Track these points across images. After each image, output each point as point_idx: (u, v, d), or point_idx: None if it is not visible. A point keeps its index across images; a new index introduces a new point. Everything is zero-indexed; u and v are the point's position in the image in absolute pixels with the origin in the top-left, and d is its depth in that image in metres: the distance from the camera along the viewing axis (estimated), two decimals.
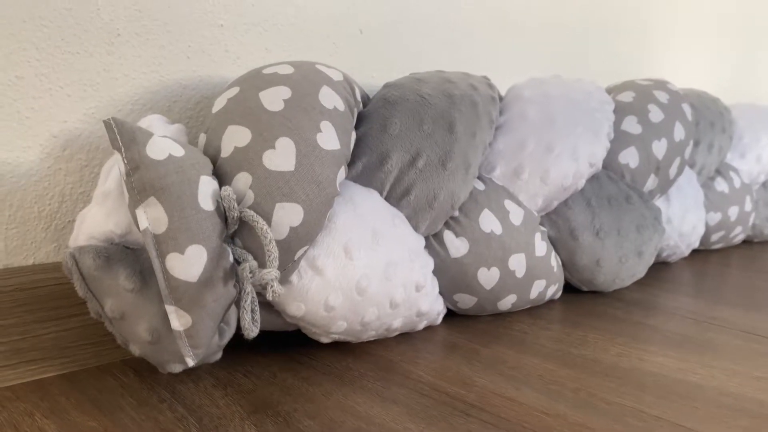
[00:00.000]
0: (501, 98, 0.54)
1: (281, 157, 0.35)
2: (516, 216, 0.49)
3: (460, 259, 0.46)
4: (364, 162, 0.42)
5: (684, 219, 0.66)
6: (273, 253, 0.32)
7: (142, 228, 0.32)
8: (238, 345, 0.41)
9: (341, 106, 0.39)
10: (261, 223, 0.33)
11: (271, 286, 0.32)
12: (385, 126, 0.43)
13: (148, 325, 0.34)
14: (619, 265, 0.56)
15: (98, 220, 0.34)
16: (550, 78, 0.56)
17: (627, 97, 0.62)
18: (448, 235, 0.46)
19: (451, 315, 0.51)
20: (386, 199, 0.43)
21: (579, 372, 0.42)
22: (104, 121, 0.32)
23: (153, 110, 0.41)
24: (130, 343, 0.35)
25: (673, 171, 0.60)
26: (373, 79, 0.55)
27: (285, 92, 0.37)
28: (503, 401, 0.37)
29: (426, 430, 0.34)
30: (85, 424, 0.33)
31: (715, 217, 0.74)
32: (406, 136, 0.43)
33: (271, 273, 0.32)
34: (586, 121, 0.53)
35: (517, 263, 0.48)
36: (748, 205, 0.77)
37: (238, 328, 0.37)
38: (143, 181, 0.32)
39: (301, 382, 0.39)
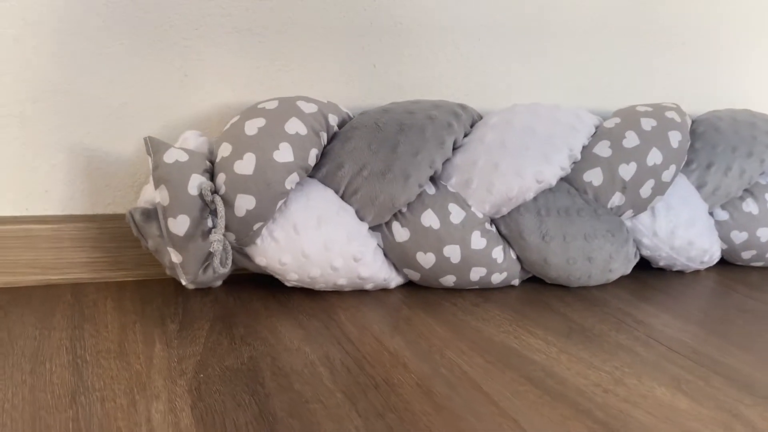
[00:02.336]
0: (476, 121, 0.67)
1: (245, 165, 0.55)
2: (456, 216, 0.63)
3: (403, 243, 0.62)
4: (327, 168, 0.61)
5: (673, 234, 0.72)
6: (220, 224, 0.54)
7: (156, 202, 0.55)
8: (249, 280, 0.64)
9: (303, 131, 0.58)
10: (220, 206, 0.54)
11: (212, 244, 0.53)
12: (344, 143, 0.61)
13: (168, 257, 0.57)
14: (567, 265, 0.67)
15: (148, 192, 0.58)
16: (525, 107, 0.68)
17: (611, 123, 0.70)
18: (395, 225, 0.62)
19: (411, 284, 0.67)
20: (341, 196, 0.61)
21: (458, 339, 0.56)
22: (144, 138, 0.56)
23: None
24: (165, 267, 0.59)
25: (645, 191, 0.68)
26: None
27: (261, 122, 0.57)
28: (378, 346, 0.54)
29: (307, 346, 0.52)
30: (129, 305, 0.58)
31: (741, 236, 0.77)
32: (357, 152, 0.60)
33: (215, 236, 0.53)
34: (537, 146, 0.64)
35: (452, 252, 0.63)
36: None
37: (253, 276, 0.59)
38: (159, 175, 0.54)
39: (262, 308, 0.60)
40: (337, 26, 0.66)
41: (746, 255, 0.79)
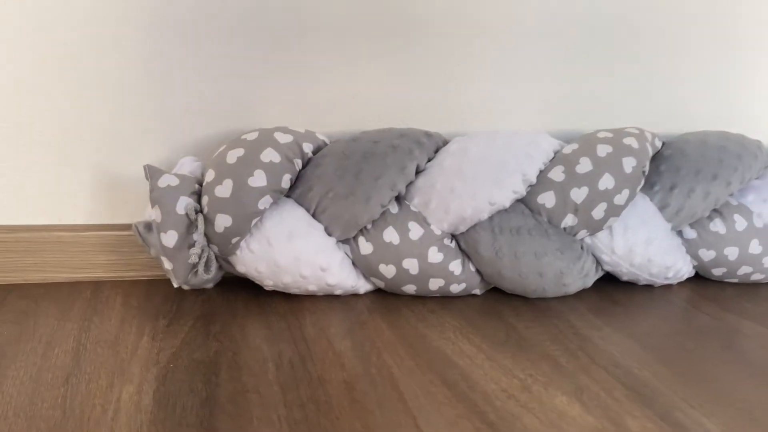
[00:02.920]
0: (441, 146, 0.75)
1: (224, 189, 0.66)
2: (415, 233, 0.71)
3: (367, 256, 0.71)
4: (300, 189, 0.70)
5: (632, 252, 0.76)
6: (199, 240, 0.64)
7: (152, 219, 0.66)
8: (238, 283, 0.74)
9: (277, 159, 0.68)
10: (200, 224, 0.65)
11: (191, 256, 0.64)
12: (315, 169, 0.70)
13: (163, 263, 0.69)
14: (520, 279, 0.73)
15: (148, 210, 0.69)
16: (484, 134, 0.75)
17: (569, 149, 0.76)
18: (361, 240, 0.71)
19: (381, 291, 0.76)
20: (312, 214, 0.70)
21: (400, 343, 0.65)
22: (143, 166, 0.67)
23: None
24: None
25: (598, 214, 0.73)
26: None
27: (240, 152, 0.67)
28: (327, 347, 0.64)
29: (266, 344, 0.63)
30: (133, 302, 0.70)
31: (709, 254, 0.81)
32: (325, 177, 0.69)
33: (194, 249, 0.64)
34: (490, 172, 0.71)
35: (410, 265, 0.71)
36: (756, 248, 0.80)
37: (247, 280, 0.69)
38: (154, 197, 0.66)
39: (242, 308, 0.70)
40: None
41: (717, 272, 0.83)
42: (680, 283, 0.84)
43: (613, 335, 0.69)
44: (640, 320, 0.73)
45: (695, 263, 0.82)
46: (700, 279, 0.85)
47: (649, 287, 0.82)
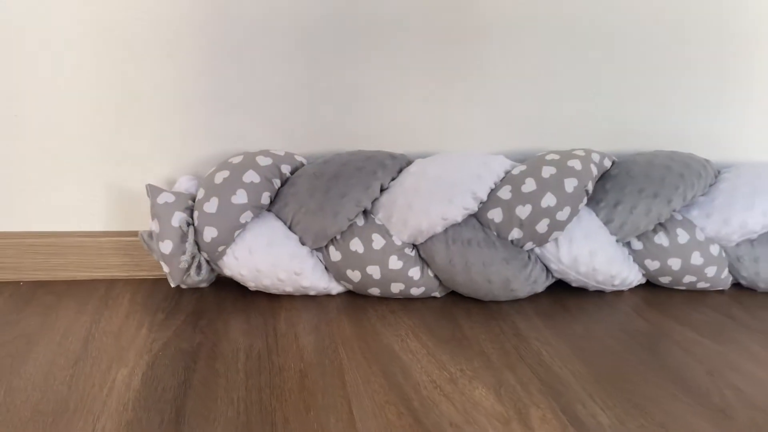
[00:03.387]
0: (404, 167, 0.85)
1: (211, 206, 0.78)
2: (377, 243, 0.81)
3: (336, 262, 0.82)
4: (278, 205, 0.81)
5: (577, 262, 0.85)
6: (189, 248, 0.76)
7: (152, 230, 0.79)
8: (232, 283, 0.86)
9: (257, 180, 0.79)
10: (190, 236, 0.77)
11: (179, 261, 0.76)
12: (290, 187, 0.81)
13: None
14: (472, 285, 0.83)
15: (151, 222, 0.82)
16: (441, 156, 0.84)
17: (517, 170, 0.85)
18: (331, 248, 0.82)
19: (352, 292, 0.87)
20: (289, 227, 0.81)
21: (357, 339, 0.76)
22: (146, 185, 0.80)
23: None
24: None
25: (542, 228, 0.82)
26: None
27: (226, 174, 0.79)
28: (293, 340, 0.75)
29: (242, 337, 0.74)
30: (139, 298, 0.83)
31: (654, 264, 0.89)
32: (298, 195, 0.80)
33: (183, 257, 0.76)
34: (443, 191, 0.80)
35: (373, 271, 0.81)
36: (697, 260, 0.88)
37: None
38: (153, 212, 0.78)
39: (230, 305, 0.82)
40: None
41: (664, 280, 0.90)
42: (633, 289, 0.92)
43: (549, 337, 0.78)
44: (579, 323, 0.81)
45: (644, 272, 0.90)
46: (653, 286, 0.92)
47: (600, 293, 0.91)
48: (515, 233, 0.82)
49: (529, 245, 0.83)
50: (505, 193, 0.82)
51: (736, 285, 0.95)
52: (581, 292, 0.90)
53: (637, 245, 0.88)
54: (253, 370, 0.67)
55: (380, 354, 0.72)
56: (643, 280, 0.92)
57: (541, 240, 0.83)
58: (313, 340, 0.74)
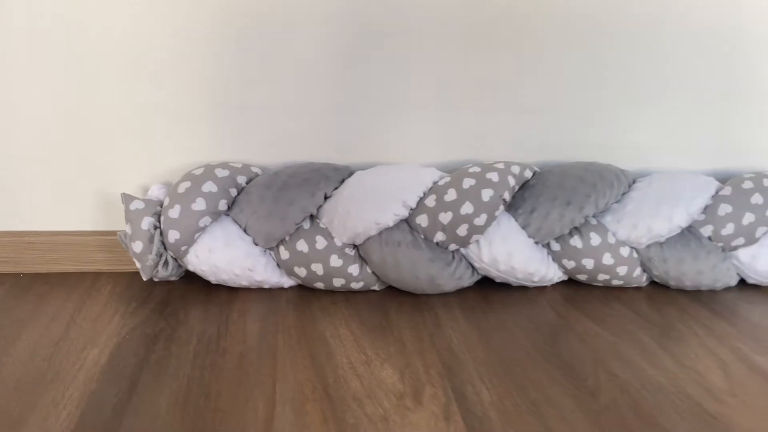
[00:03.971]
0: (346, 178, 0.97)
1: (174, 212, 0.91)
2: (320, 244, 0.93)
3: (285, 260, 0.95)
4: (234, 211, 0.94)
5: (496, 261, 0.96)
6: (154, 248, 0.89)
7: (126, 232, 0.92)
8: (197, 279, 0.99)
9: (215, 189, 0.92)
10: (156, 238, 0.90)
11: (148, 259, 0.89)
12: (245, 196, 0.93)
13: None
14: (402, 280, 0.94)
15: (126, 225, 0.95)
16: (378, 168, 0.96)
17: (443, 181, 0.96)
18: (281, 248, 0.95)
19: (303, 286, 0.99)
20: (244, 230, 0.94)
21: (296, 327, 0.88)
22: (121, 194, 0.93)
23: None
24: None
25: (462, 232, 0.93)
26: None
27: (188, 184, 0.92)
28: (242, 327, 0.88)
29: (199, 324, 0.87)
30: (118, 290, 0.96)
31: (570, 264, 0.99)
32: (252, 202, 0.93)
33: (150, 256, 0.89)
34: (376, 199, 0.92)
35: (317, 268, 0.94)
36: (609, 260, 0.98)
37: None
38: (127, 216, 0.91)
39: (194, 296, 0.95)
40: None
41: (581, 277, 1.01)
42: (557, 285, 1.03)
43: (464, 326, 0.89)
44: (494, 315, 0.93)
45: (563, 270, 1.00)
46: (577, 283, 1.03)
47: (524, 288, 1.02)
48: (439, 236, 0.93)
49: (452, 246, 0.95)
50: (430, 201, 0.93)
51: (654, 283, 1.04)
52: (507, 287, 1.01)
53: (556, 246, 0.98)
54: (202, 351, 0.80)
55: (312, 340, 0.84)
56: (564, 277, 1.02)
57: (463, 242, 0.94)
58: (258, 328, 0.87)
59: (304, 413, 0.69)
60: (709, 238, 0.99)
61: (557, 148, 1.05)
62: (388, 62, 0.97)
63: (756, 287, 1.05)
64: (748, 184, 1.00)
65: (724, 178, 1.05)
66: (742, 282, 1.06)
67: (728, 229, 0.98)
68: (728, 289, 1.04)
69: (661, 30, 1.00)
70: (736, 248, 1.00)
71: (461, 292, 0.99)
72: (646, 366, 0.81)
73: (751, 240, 0.99)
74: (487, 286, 1.01)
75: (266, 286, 0.97)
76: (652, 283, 1.05)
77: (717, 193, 1.00)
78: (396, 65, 0.97)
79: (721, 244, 0.99)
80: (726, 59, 1.02)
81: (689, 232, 0.99)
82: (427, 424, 0.68)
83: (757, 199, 0.98)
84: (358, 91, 0.98)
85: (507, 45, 0.98)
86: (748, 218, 0.97)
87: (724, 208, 0.98)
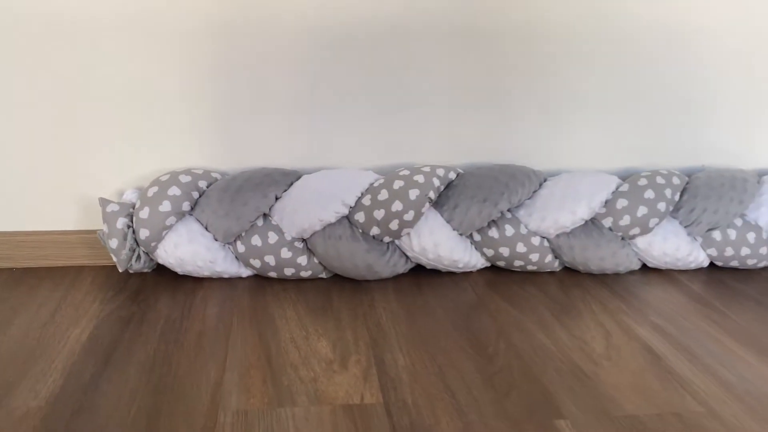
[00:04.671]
0: (294, 181, 1.11)
1: (144, 213, 1.05)
2: (272, 239, 1.08)
3: (242, 253, 1.09)
4: (198, 211, 1.08)
5: (425, 250, 1.11)
6: (128, 244, 1.04)
7: (104, 231, 1.06)
8: (168, 270, 1.14)
9: (178, 193, 1.06)
10: (129, 235, 1.04)
11: (122, 254, 1.03)
12: (205, 198, 1.08)
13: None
14: (344, 268, 1.09)
15: (104, 225, 1.10)
16: (322, 172, 1.10)
17: (377, 183, 1.10)
18: (238, 242, 1.09)
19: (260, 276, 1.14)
20: (205, 227, 1.08)
21: (248, 310, 1.03)
22: (99, 198, 1.07)
23: None
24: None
25: (394, 226, 1.08)
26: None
27: (156, 189, 1.06)
28: (201, 311, 1.02)
29: (166, 308, 1.02)
30: (98, 280, 1.11)
31: (489, 252, 1.14)
32: (211, 203, 1.07)
33: (123, 251, 1.03)
34: (319, 199, 1.06)
35: (269, 259, 1.08)
36: (522, 248, 1.13)
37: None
38: (104, 218, 1.05)
39: (165, 285, 1.09)
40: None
41: (500, 263, 1.16)
42: (482, 271, 1.18)
43: (394, 306, 1.04)
44: (423, 296, 1.07)
45: (485, 257, 1.15)
46: (500, 269, 1.17)
47: (452, 274, 1.17)
48: (375, 230, 1.08)
49: (387, 239, 1.09)
50: (367, 200, 1.08)
51: (567, 268, 1.19)
52: (437, 273, 1.16)
53: (477, 237, 1.13)
54: (167, 331, 0.95)
55: (262, 320, 0.99)
56: (487, 264, 1.17)
57: (395, 235, 1.09)
58: (217, 311, 1.01)
59: (249, 377, 0.84)
60: (610, 229, 1.14)
61: (479, 152, 1.19)
62: (331, 81, 1.11)
63: (656, 270, 1.20)
64: (642, 181, 1.15)
65: (626, 177, 1.20)
66: (646, 266, 1.21)
67: (625, 220, 1.12)
68: (632, 272, 1.19)
69: (570, 46, 1.14)
70: (633, 237, 1.15)
71: (397, 278, 1.14)
72: (541, 337, 0.96)
73: (645, 230, 1.14)
74: (421, 272, 1.16)
75: (226, 276, 1.11)
76: (565, 269, 1.19)
77: (617, 189, 1.15)
78: (337, 83, 1.11)
79: (620, 234, 1.14)
80: (630, 70, 1.17)
81: (592, 223, 1.14)
82: (348, 383, 0.83)
83: (649, 194, 1.13)
84: (306, 106, 1.12)
85: (432, 62, 1.12)
86: (642, 211, 1.12)
87: (622, 202, 1.13)
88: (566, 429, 0.76)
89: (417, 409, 0.78)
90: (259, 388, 0.82)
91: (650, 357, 0.91)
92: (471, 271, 1.17)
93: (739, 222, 1.17)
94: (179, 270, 1.09)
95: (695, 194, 1.16)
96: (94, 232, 1.14)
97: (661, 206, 1.13)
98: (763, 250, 1.18)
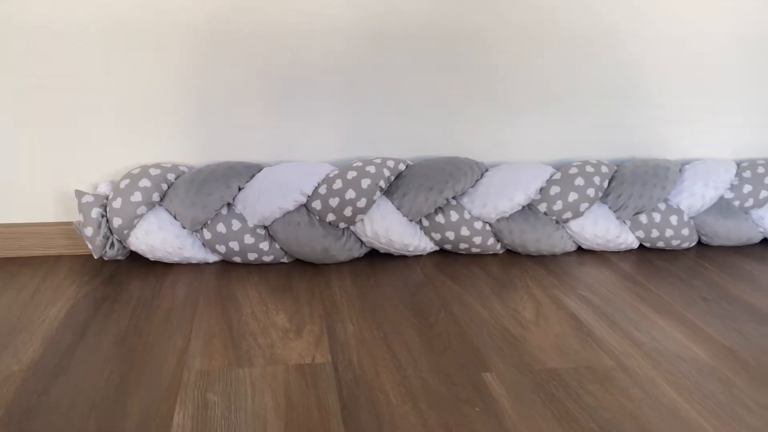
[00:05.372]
0: (255, 173, 1.21)
1: (117, 203, 1.13)
2: (236, 226, 1.17)
3: (208, 239, 1.18)
4: (167, 201, 1.17)
5: (377, 235, 1.20)
6: (102, 232, 1.12)
7: (80, 220, 1.15)
8: (141, 257, 1.22)
9: (149, 185, 1.15)
10: (104, 224, 1.13)
11: (97, 241, 1.12)
12: (173, 189, 1.17)
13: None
14: (303, 252, 1.18)
15: (79, 215, 1.18)
16: (282, 165, 1.20)
17: (332, 174, 1.20)
18: (205, 230, 1.18)
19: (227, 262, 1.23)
20: (174, 216, 1.17)
21: (214, 290, 1.12)
22: (75, 190, 1.15)
23: None
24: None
25: (348, 213, 1.18)
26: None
27: (127, 181, 1.15)
28: (171, 292, 1.11)
29: (138, 290, 1.10)
30: (77, 267, 1.19)
31: (436, 236, 1.24)
32: (179, 194, 1.16)
33: (97, 238, 1.12)
34: (279, 189, 1.16)
35: (234, 245, 1.17)
36: (465, 232, 1.24)
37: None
38: (79, 208, 1.14)
39: (139, 270, 1.18)
40: None
41: (447, 246, 1.26)
42: (432, 254, 1.28)
43: (348, 285, 1.14)
44: (375, 276, 1.17)
45: (434, 241, 1.25)
46: (448, 252, 1.28)
47: (404, 257, 1.27)
48: (330, 217, 1.18)
49: (342, 225, 1.19)
50: (323, 189, 1.18)
51: (510, 251, 1.30)
52: (391, 257, 1.26)
53: (425, 223, 1.23)
54: (138, 308, 1.04)
55: (226, 298, 1.08)
56: (436, 248, 1.27)
57: (350, 221, 1.19)
58: (185, 291, 1.10)
59: (212, 344, 0.93)
60: (545, 213, 1.25)
61: (427, 146, 1.30)
62: (297, 82, 1.21)
63: (590, 252, 1.31)
64: (573, 170, 1.26)
65: (560, 167, 1.31)
66: (581, 249, 1.32)
67: (558, 205, 1.23)
68: (568, 254, 1.30)
69: (511, 49, 1.25)
70: (567, 220, 1.26)
71: (353, 261, 1.23)
72: (479, 307, 1.06)
73: (577, 213, 1.25)
74: (375, 257, 1.25)
75: (194, 261, 1.20)
76: (508, 251, 1.30)
77: (551, 177, 1.26)
78: (302, 84, 1.21)
79: (554, 218, 1.25)
80: (567, 70, 1.28)
81: (529, 208, 1.25)
82: (301, 348, 0.92)
83: (579, 181, 1.24)
84: (269, 105, 1.22)
85: (385, 64, 1.22)
86: (573, 196, 1.23)
87: (555, 189, 1.24)
88: (491, 379, 0.86)
89: (361, 367, 0.88)
90: (220, 352, 0.91)
91: (574, 323, 1.02)
92: (421, 255, 1.27)
93: (662, 206, 1.28)
94: (150, 256, 1.17)
95: (622, 181, 1.27)
96: (71, 223, 1.22)
97: (591, 192, 1.24)
98: (685, 232, 1.30)
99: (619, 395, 0.83)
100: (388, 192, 1.21)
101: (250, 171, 1.20)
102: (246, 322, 0.99)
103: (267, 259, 1.20)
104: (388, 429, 0.75)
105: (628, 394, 0.84)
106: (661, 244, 1.31)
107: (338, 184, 1.17)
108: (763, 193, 1.32)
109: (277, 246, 1.19)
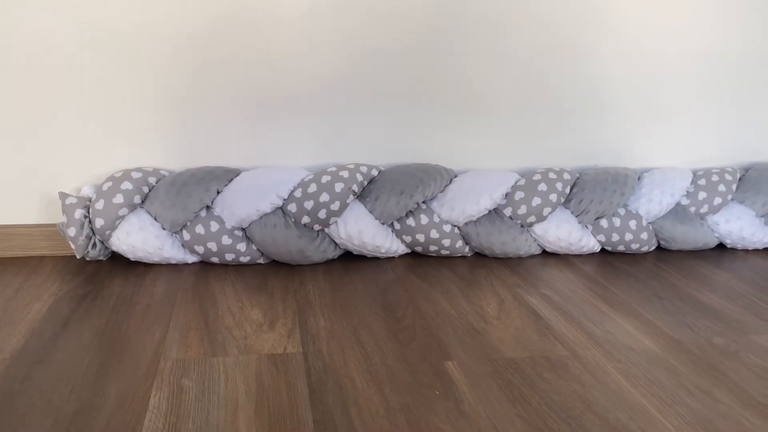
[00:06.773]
0: (234, 177, 1.26)
1: (99, 205, 1.18)
2: (214, 227, 1.22)
3: (188, 240, 1.22)
4: (147, 203, 1.22)
5: (350, 237, 1.26)
6: (85, 232, 1.16)
7: (63, 221, 1.19)
8: (123, 257, 1.26)
9: (130, 187, 1.19)
10: (86, 225, 1.17)
11: (79, 241, 1.16)
12: (154, 192, 1.22)
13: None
14: (279, 253, 1.23)
15: (63, 216, 1.22)
16: (260, 169, 1.25)
17: (308, 178, 1.25)
18: (184, 231, 1.23)
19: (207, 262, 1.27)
20: (154, 218, 1.22)
21: (192, 289, 1.16)
22: (58, 192, 1.20)
23: None
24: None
25: (322, 215, 1.23)
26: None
27: (110, 183, 1.19)
28: (151, 290, 1.15)
29: (118, 287, 1.14)
30: (60, 266, 1.22)
31: (407, 238, 1.30)
32: (159, 196, 1.21)
33: (81, 239, 1.16)
34: (256, 192, 1.21)
35: (212, 246, 1.22)
36: (435, 235, 1.29)
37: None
38: (63, 209, 1.18)
39: (120, 269, 1.22)
40: None
41: (418, 249, 1.31)
42: (404, 256, 1.33)
43: (322, 284, 1.18)
44: (348, 276, 1.22)
45: (405, 244, 1.31)
46: (419, 254, 1.33)
47: (377, 259, 1.32)
48: (305, 219, 1.23)
49: (317, 227, 1.24)
50: (298, 193, 1.23)
51: (478, 253, 1.36)
52: (364, 258, 1.31)
53: (397, 226, 1.29)
54: (119, 304, 1.08)
55: (204, 295, 1.12)
56: (408, 250, 1.33)
57: (324, 223, 1.24)
58: (164, 289, 1.14)
59: (188, 336, 0.97)
60: (510, 217, 1.31)
61: (399, 153, 1.36)
62: (274, 92, 1.27)
63: (555, 255, 1.37)
64: (537, 177, 1.32)
65: (526, 174, 1.38)
66: (546, 252, 1.37)
67: (522, 209, 1.29)
68: (533, 256, 1.36)
69: (480, 62, 1.32)
70: (531, 224, 1.32)
71: (328, 263, 1.28)
72: (445, 304, 1.11)
73: (540, 218, 1.31)
74: (349, 258, 1.30)
75: (173, 262, 1.24)
76: (476, 254, 1.36)
77: (516, 183, 1.32)
78: (279, 94, 1.27)
79: (519, 221, 1.31)
80: (533, 83, 1.35)
81: (495, 212, 1.30)
82: (274, 339, 0.97)
83: (542, 187, 1.30)
84: (248, 113, 1.27)
85: (354, 74, 1.28)
86: (536, 201, 1.29)
87: (519, 194, 1.30)
88: (452, 367, 0.91)
89: (330, 356, 0.92)
90: (196, 343, 0.95)
91: (534, 318, 1.07)
92: (393, 257, 1.32)
93: (622, 211, 1.35)
94: (131, 256, 1.21)
95: (584, 187, 1.33)
96: (54, 225, 1.26)
97: (553, 197, 1.30)
98: (644, 236, 1.36)
99: (571, 381, 0.88)
100: (362, 196, 1.27)
101: (228, 175, 1.25)
102: (222, 316, 1.04)
103: (244, 259, 1.24)
104: (353, 409, 0.80)
105: (579, 380, 0.89)
106: (621, 248, 1.37)
107: (313, 188, 1.22)
108: (717, 200, 1.39)
109: (254, 247, 1.24)
